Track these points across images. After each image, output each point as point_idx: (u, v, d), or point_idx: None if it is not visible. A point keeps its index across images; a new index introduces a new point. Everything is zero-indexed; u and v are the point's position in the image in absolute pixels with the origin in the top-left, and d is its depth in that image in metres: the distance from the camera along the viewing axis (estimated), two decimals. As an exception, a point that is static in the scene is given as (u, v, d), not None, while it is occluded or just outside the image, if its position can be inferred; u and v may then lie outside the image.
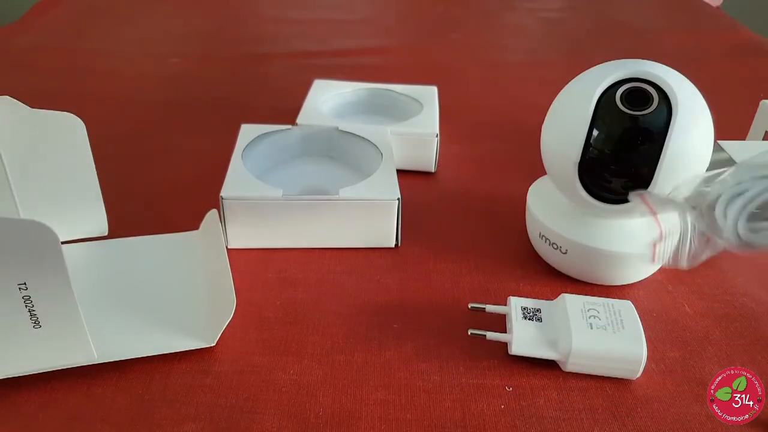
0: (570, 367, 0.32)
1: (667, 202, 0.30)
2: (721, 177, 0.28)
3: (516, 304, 0.34)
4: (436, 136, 0.48)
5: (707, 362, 0.33)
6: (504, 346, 0.33)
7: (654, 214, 0.30)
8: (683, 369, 0.33)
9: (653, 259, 0.30)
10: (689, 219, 0.29)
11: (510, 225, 0.43)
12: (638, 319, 0.32)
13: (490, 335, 0.33)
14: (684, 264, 0.29)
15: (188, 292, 0.36)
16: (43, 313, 0.28)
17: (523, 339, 0.32)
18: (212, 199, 0.40)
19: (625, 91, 0.34)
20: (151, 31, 0.81)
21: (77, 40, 0.77)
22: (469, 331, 0.33)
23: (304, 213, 0.39)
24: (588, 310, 0.32)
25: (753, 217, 0.27)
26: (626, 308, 0.33)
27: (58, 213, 0.37)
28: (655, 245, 0.30)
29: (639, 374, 0.31)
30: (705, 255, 0.29)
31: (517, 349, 0.32)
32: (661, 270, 0.39)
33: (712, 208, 0.28)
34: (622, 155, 0.34)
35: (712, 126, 0.34)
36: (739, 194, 0.27)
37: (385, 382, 0.31)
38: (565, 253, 0.37)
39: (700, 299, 0.37)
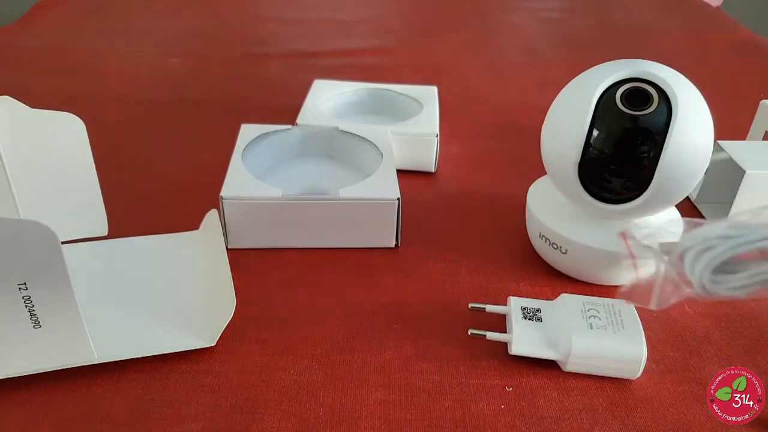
0: (570, 367, 0.32)
1: (645, 248, 0.32)
2: (692, 232, 0.31)
3: (516, 304, 0.34)
4: (436, 136, 0.48)
5: (707, 362, 0.33)
6: (504, 346, 0.33)
7: (633, 257, 0.33)
8: (683, 369, 0.33)
9: (629, 298, 0.32)
10: (661, 266, 0.31)
11: (510, 225, 0.43)
12: (638, 319, 0.32)
13: (490, 335, 0.33)
14: (653, 306, 0.30)
15: (188, 292, 0.36)
16: (43, 313, 0.28)
17: (523, 339, 0.32)
18: (212, 199, 0.40)
19: (625, 91, 0.34)
20: (151, 31, 0.81)
21: (77, 40, 0.77)
22: (469, 331, 0.33)
23: (304, 213, 0.39)
24: (588, 310, 0.32)
25: (717, 270, 0.30)
26: (626, 308, 0.33)
27: (58, 213, 0.37)
28: (632, 285, 0.32)
29: (639, 374, 0.31)
30: (672, 299, 0.31)
31: (517, 349, 0.32)
32: (661, 270, 0.39)
33: (681, 259, 0.30)
34: (622, 155, 0.34)
35: (712, 126, 0.34)
36: (707, 249, 0.30)
37: (385, 382, 0.31)
38: (565, 253, 0.37)
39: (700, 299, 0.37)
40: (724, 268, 0.29)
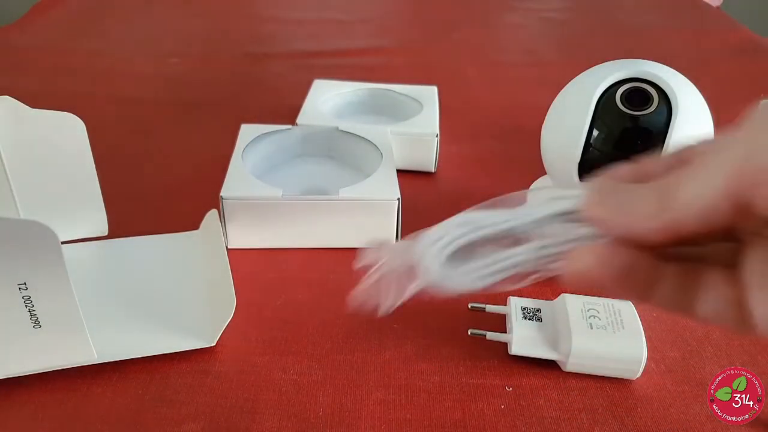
0: (570, 367, 0.32)
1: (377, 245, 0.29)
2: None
3: (516, 304, 0.34)
4: (436, 136, 0.48)
5: (707, 362, 0.33)
6: (504, 346, 0.33)
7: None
8: (683, 369, 0.33)
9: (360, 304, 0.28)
10: (390, 257, 0.28)
11: (510, 225, 0.43)
12: (638, 319, 0.32)
13: (490, 335, 0.33)
14: (382, 312, 0.28)
15: (188, 292, 0.36)
16: (43, 313, 0.28)
17: (523, 339, 0.32)
18: (212, 199, 0.39)
19: (625, 91, 0.34)
20: (151, 31, 0.81)
21: (77, 40, 0.77)
22: (469, 331, 0.33)
23: (304, 213, 0.39)
24: (588, 310, 0.32)
25: (452, 258, 0.26)
26: (626, 308, 0.33)
27: (58, 213, 0.37)
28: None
29: (639, 374, 0.31)
30: (399, 298, 0.27)
31: (517, 349, 0.32)
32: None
33: (413, 247, 0.28)
34: (623, 155, 0.34)
35: (712, 126, 0.34)
36: (441, 237, 0.27)
37: (385, 382, 0.31)
38: (565, 253, 0.37)
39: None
40: (461, 256, 0.26)
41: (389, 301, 0.28)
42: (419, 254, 0.27)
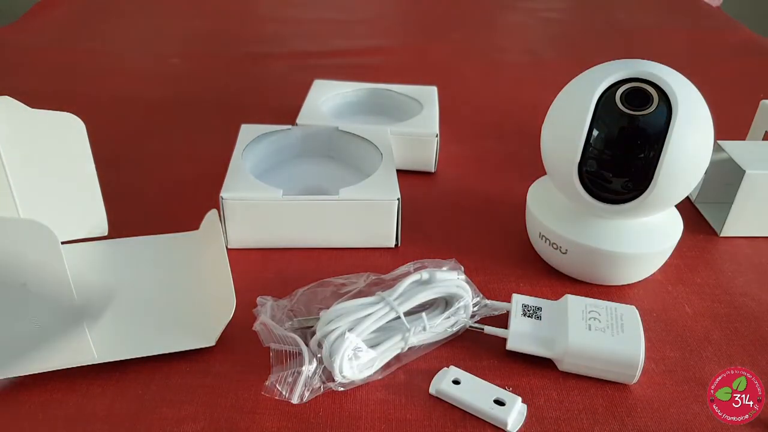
0: (566, 366, 0.32)
1: (287, 336, 0.31)
2: (332, 308, 0.31)
3: (518, 301, 0.34)
4: (436, 136, 0.48)
5: (707, 362, 0.33)
6: (503, 345, 0.33)
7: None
8: (683, 369, 0.33)
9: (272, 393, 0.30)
10: (306, 354, 0.31)
11: (510, 225, 0.43)
12: (640, 323, 0.32)
13: (488, 329, 0.33)
14: (295, 401, 0.30)
15: (188, 292, 0.36)
16: (43, 313, 0.28)
17: (519, 335, 0.32)
18: (212, 199, 0.40)
19: (625, 91, 0.34)
20: (151, 31, 0.81)
21: (77, 40, 0.77)
22: (468, 325, 0.33)
23: (304, 213, 0.39)
24: (589, 312, 0.32)
25: (356, 356, 0.30)
26: (629, 312, 0.33)
27: (58, 213, 0.37)
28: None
29: (636, 379, 0.31)
30: (313, 395, 0.30)
31: (512, 344, 0.32)
32: (661, 270, 0.39)
33: (321, 345, 0.31)
34: (622, 155, 0.34)
35: (712, 126, 0.34)
36: (342, 334, 0.30)
37: (385, 382, 0.31)
38: (565, 253, 0.37)
39: (700, 299, 0.37)
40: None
41: (303, 397, 0.30)
42: (327, 352, 0.31)
